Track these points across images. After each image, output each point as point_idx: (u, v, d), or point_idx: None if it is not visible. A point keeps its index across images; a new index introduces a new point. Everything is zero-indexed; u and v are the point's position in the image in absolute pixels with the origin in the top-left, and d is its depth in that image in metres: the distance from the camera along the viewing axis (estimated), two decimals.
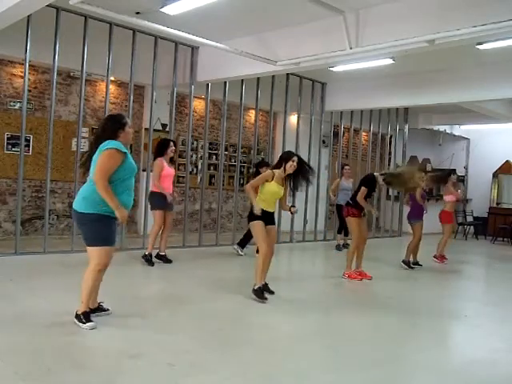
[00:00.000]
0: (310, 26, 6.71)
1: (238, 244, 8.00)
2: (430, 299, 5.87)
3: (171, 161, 7.00)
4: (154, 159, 6.67)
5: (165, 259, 6.81)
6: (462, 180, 14.75)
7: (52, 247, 7.09)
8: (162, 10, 5.91)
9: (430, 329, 4.63)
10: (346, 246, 9.38)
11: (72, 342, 3.56)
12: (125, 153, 3.81)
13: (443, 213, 8.48)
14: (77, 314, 3.88)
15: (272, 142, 10.45)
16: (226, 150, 10.34)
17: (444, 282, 7.17)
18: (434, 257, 8.53)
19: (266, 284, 5.25)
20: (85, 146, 8.56)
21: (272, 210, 5.22)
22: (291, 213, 5.55)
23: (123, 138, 3.92)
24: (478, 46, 6.39)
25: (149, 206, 6.98)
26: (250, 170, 10.13)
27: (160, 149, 6.65)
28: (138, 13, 6.44)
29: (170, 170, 6.69)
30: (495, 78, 8.30)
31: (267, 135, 10.36)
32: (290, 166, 5.10)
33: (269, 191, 5.10)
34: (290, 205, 5.46)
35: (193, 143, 9.60)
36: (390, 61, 7.35)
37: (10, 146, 7.92)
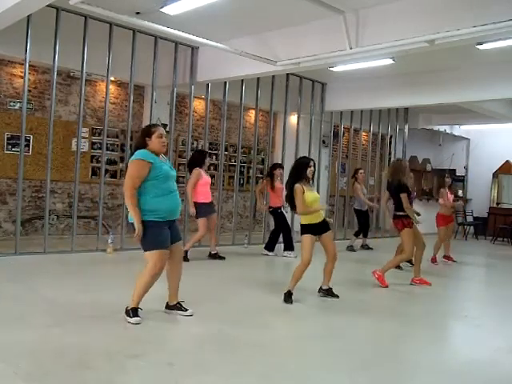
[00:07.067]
0: (309, 25, 6.72)
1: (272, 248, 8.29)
2: (429, 299, 5.87)
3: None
4: (191, 170, 7.17)
5: (218, 257, 7.52)
6: (461, 180, 14.73)
7: (52, 247, 7.10)
8: (162, 10, 5.91)
9: (429, 329, 4.62)
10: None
11: (72, 341, 3.56)
12: (151, 162, 4.00)
13: (438, 216, 8.48)
14: (126, 310, 4.07)
15: (272, 142, 10.45)
16: (226, 150, 10.33)
17: (444, 282, 7.16)
18: (443, 257, 8.55)
19: (330, 288, 5.42)
20: (85, 145, 8.60)
21: (320, 220, 5.33)
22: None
23: (152, 146, 4.14)
24: (478, 46, 6.39)
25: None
26: (250, 171, 10.14)
27: (198, 160, 7.20)
28: (138, 13, 6.45)
29: (208, 179, 7.26)
30: (495, 77, 8.30)
31: (267, 135, 10.35)
32: (310, 172, 5.43)
33: (310, 200, 5.28)
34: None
35: (193, 143, 9.59)
36: (390, 61, 7.34)
37: (9, 146, 7.93)
